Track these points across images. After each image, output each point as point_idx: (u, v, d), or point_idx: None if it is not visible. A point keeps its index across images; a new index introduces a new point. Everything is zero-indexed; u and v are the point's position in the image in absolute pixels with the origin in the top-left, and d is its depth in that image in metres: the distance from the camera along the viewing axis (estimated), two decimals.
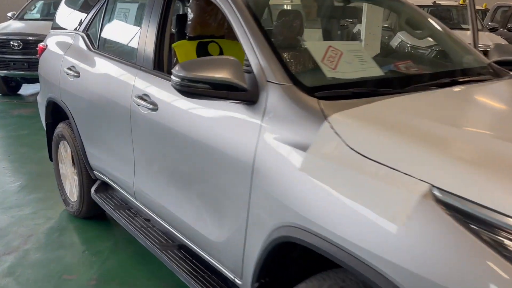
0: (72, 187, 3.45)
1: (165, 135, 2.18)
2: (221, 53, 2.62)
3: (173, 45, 2.51)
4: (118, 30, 2.86)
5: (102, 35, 2.92)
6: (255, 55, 1.73)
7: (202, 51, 2.56)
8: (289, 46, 2.24)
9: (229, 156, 1.74)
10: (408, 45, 7.54)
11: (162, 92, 2.21)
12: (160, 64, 2.35)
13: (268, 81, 1.66)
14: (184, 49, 2.52)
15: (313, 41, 2.32)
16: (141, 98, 2.28)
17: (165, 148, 2.23)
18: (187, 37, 2.57)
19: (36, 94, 4.48)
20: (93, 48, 2.94)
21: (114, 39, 2.89)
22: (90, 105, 2.88)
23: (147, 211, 2.52)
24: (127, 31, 2.74)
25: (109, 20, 2.93)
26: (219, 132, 1.81)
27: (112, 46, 2.87)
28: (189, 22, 2.51)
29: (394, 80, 1.85)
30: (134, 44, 2.57)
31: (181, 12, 4.33)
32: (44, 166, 4.37)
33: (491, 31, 7.90)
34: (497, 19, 9.47)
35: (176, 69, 1.67)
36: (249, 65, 1.74)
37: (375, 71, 1.85)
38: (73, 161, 3.32)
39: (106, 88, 2.66)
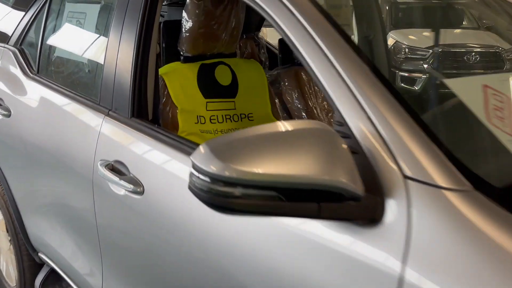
0: (8, 265, 2.41)
1: (158, 236, 1.23)
2: (234, 80, 1.68)
3: (160, 71, 1.56)
4: (69, 46, 1.85)
5: (44, 52, 1.91)
6: (364, 115, 0.81)
7: (206, 78, 1.61)
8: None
9: None
10: (404, 46, 6.77)
11: (150, 162, 1.26)
12: (142, 106, 1.38)
13: (409, 178, 0.75)
14: (179, 77, 1.57)
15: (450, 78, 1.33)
16: (112, 168, 1.31)
17: (159, 256, 1.27)
18: (181, 58, 1.62)
19: None
20: (30, 72, 1.91)
21: (64, 59, 1.88)
22: (28, 160, 1.87)
23: None
24: (84, 47, 1.75)
25: (55, 29, 1.92)
26: (276, 265, 0.89)
27: (60, 71, 1.86)
28: (186, 34, 1.55)
29: None
30: (96, 70, 1.59)
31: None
32: None
33: (487, 30, 7.31)
34: None
35: (199, 157, 0.73)
36: (349, 137, 0.82)
37: None
38: (8, 231, 2.29)
39: (52, 141, 1.66)
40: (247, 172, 0.71)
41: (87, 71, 1.71)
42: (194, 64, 1.60)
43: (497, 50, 5.88)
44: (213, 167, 0.72)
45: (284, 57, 2.22)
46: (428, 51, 6.27)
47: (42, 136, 1.73)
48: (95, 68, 1.63)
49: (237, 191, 0.72)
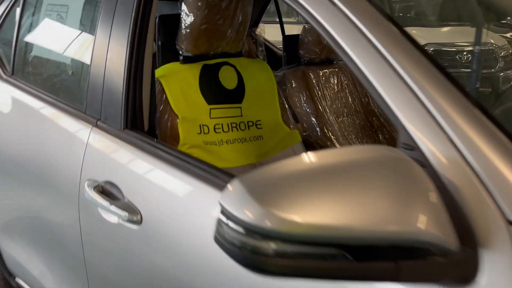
0: None
1: (160, 275, 1.02)
2: (240, 82, 1.47)
3: (157, 73, 1.34)
4: (49, 44, 1.62)
5: (19, 51, 1.66)
6: (443, 136, 0.61)
7: (209, 81, 1.40)
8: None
9: None
10: None
11: (149, 184, 1.04)
12: (136, 115, 1.16)
13: None
14: (179, 80, 1.35)
15: None
16: (102, 191, 1.09)
17: None
18: (180, 57, 1.40)
19: None
20: (4, 73, 1.67)
21: (43, 59, 1.64)
22: (1, 173, 1.63)
23: None
24: (66, 45, 1.51)
25: (32, 25, 1.67)
26: None
27: (39, 73, 1.62)
28: (186, 31, 1.33)
29: None
30: (81, 72, 1.37)
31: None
32: None
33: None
34: None
35: (230, 199, 0.54)
36: (424, 165, 0.62)
37: None
38: None
39: (29, 153, 1.43)
40: (299, 224, 0.51)
41: (70, 74, 1.47)
42: (195, 65, 1.39)
43: (490, 48, 5.76)
44: (249, 214, 0.52)
45: (290, 56, 2.01)
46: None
47: (18, 147, 1.50)
48: (80, 69, 1.40)
49: (282, 248, 0.52)
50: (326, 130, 1.77)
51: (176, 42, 1.37)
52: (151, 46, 1.24)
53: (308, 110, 1.81)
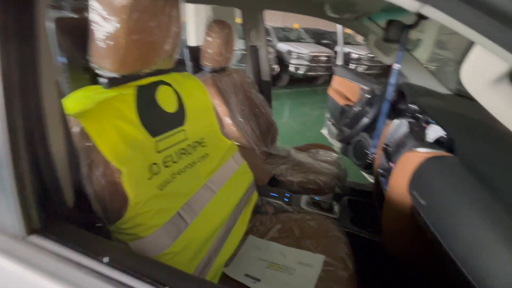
0: None
1: None
2: (180, 102, 1.04)
3: (69, 108, 0.80)
4: None
5: None
6: None
7: (148, 106, 0.92)
8: None
9: None
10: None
11: None
12: (48, 190, 0.66)
13: None
14: (108, 114, 0.83)
15: None
16: None
17: None
18: (103, 80, 0.88)
19: None
20: None
21: None
22: None
23: None
24: None
25: None
26: None
27: None
28: (107, 43, 0.82)
29: None
30: None
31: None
32: None
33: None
34: None
35: None
36: None
37: None
38: None
39: None
40: None
41: None
42: (126, 89, 0.89)
43: None
44: None
45: (195, 65, 1.81)
46: None
47: None
48: None
49: None
50: (238, 128, 1.70)
51: (88, 58, 0.85)
52: (52, 69, 0.72)
53: (221, 112, 1.67)
